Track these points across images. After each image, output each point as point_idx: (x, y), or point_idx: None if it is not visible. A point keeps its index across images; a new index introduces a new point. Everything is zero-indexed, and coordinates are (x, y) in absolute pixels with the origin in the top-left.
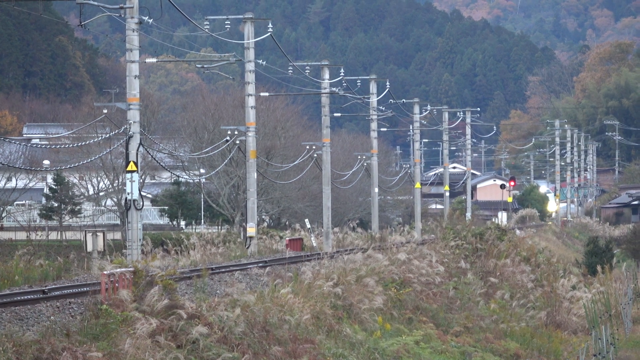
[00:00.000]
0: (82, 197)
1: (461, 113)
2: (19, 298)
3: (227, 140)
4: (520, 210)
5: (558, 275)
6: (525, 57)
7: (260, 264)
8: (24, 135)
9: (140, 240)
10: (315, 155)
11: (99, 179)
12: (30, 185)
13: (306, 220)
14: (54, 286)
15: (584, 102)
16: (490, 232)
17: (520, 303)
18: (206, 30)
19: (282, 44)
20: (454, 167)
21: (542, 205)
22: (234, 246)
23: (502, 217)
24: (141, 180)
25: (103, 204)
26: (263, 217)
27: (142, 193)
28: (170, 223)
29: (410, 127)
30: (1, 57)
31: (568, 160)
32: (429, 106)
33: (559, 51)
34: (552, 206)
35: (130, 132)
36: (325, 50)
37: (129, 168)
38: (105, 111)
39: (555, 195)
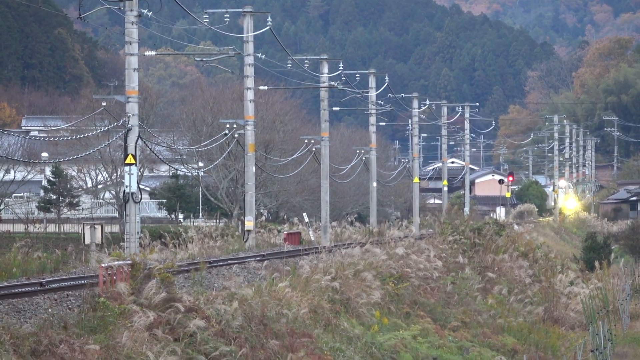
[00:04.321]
0: (80, 189)
1: (460, 108)
2: (16, 290)
3: (225, 134)
4: (519, 206)
5: (556, 271)
6: (525, 52)
7: (258, 258)
8: (23, 128)
9: (138, 233)
10: (313, 149)
11: (97, 171)
12: (29, 177)
13: (304, 214)
14: (51, 279)
15: (583, 97)
16: (489, 227)
17: (517, 298)
18: (205, 23)
19: (281, 38)
20: (453, 162)
21: (541, 200)
22: (232, 240)
23: (501, 212)
24: (139, 173)
25: (101, 197)
26: (261, 210)
27: (141, 186)
28: (168, 216)
29: (409, 122)
30: (0, 49)
31: (567, 156)
32: (427, 101)
33: (558, 46)
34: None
35: (129, 125)
36: (325, 44)
37: (127, 161)
38: (104, 104)
39: (553, 190)
